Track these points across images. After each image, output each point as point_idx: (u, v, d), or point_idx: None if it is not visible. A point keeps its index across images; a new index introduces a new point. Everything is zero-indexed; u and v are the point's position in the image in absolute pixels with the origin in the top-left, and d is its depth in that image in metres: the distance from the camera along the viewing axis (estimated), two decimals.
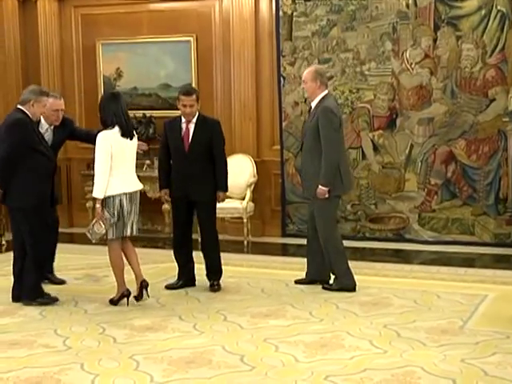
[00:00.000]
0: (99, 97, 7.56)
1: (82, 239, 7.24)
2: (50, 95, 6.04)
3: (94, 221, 5.70)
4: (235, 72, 8.60)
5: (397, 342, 4.79)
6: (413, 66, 7.91)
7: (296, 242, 7.92)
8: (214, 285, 6.23)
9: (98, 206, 5.61)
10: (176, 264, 6.32)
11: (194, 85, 8.57)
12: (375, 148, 8.16)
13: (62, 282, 6.48)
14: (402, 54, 7.93)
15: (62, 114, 6.27)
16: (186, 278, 6.27)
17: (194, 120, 6.14)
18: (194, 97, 6.09)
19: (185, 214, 6.24)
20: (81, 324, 5.27)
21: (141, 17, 8.99)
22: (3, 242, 7.95)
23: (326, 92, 6.13)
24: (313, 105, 6.15)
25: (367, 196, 8.24)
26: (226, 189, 6.26)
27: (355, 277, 6.15)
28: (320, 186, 5.97)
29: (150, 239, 8.57)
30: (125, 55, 9.13)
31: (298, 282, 6.34)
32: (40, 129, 6.06)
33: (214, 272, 6.28)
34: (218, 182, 6.18)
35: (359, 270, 6.63)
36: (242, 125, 8.59)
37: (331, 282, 6.19)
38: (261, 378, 4.20)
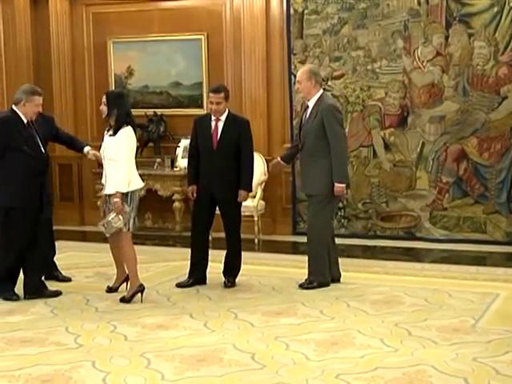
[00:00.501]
0: None
1: (94, 237, 7.29)
2: None
3: (112, 214, 5.65)
4: (246, 70, 8.60)
5: (408, 341, 4.77)
6: (424, 63, 7.88)
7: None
8: (227, 281, 6.25)
9: (117, 199, 5.60)
10: (189, 262, 6.31)
11: (204, 83, 8.59)
12: (386, 146, 8.13)
13: (68, 280, 6.47)
14: (414, 51, 7.90)
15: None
16: (197, 276, 6.26)
17: (223, 118, 6.14)
18: (222, 95, 6.09)
19: (207, 212, 6.23)
20: (92, 322, 5.28)
21: (152, 15, 9.00)
22: None
23: (321, 91, 6.12)
24: (310, 104, 6.12)
25: (378, 194, 8.22)
26: (249, 188, 6.21)
27: (365, 275, 6.14)
28: (336, 184, 5.96)
29: (160, 237, 8.58)
30: (136, 53, 9.14)
31: None
32: None
33: (229, 269, 6.30)
34: (242, 180, 6.14)
35: (370, 268, 6.62)
36: (253, 123, 8.45)
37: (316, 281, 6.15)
38: (271, 376, 4.19)
